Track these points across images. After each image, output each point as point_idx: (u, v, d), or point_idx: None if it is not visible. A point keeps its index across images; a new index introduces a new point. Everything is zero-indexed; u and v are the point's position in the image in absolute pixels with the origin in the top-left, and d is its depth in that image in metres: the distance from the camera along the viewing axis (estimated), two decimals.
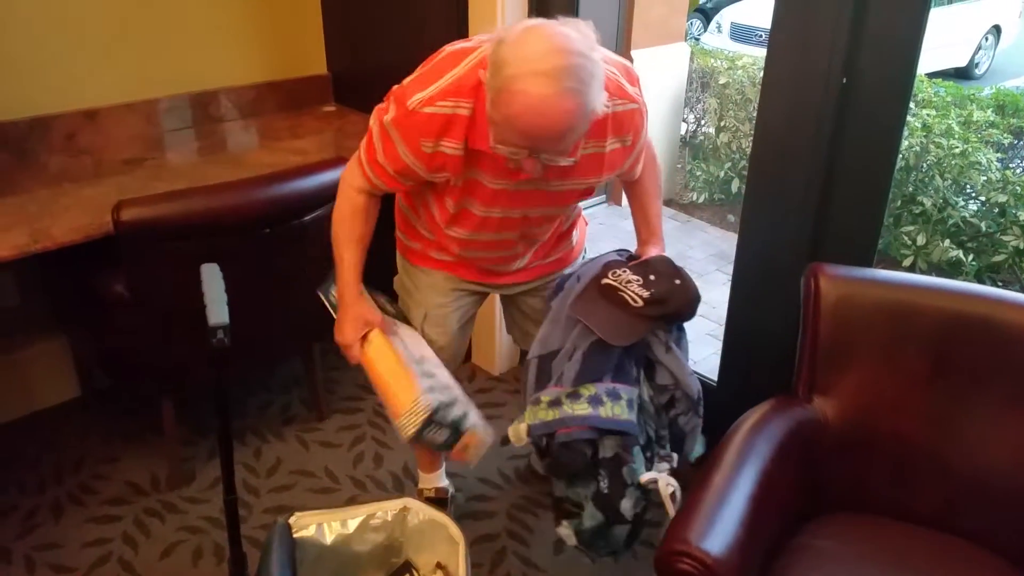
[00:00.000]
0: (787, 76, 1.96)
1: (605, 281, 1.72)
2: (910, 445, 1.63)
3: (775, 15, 1.95)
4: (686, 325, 1.80)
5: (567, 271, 1.91)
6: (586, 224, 2.04)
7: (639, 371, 1.72)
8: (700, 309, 1.76)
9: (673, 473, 1.70)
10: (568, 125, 1.33)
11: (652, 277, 1.69)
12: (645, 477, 1.65)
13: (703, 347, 3.14)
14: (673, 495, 1.62)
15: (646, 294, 1.67)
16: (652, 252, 1.82)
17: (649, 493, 1.67)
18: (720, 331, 2.48)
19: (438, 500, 2.21)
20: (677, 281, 1.69)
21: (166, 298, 2.05)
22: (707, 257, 4.11)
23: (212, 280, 1.27)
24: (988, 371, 1.57)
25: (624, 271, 1.72)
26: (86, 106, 2.56)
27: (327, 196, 2.15)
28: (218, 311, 1.20)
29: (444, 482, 2.27)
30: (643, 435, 1.70)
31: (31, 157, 2.46)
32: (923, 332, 1.62)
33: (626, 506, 1.65)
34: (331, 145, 2.71)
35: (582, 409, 1.63)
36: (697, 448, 1.81)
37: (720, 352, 2.40)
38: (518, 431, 1.73)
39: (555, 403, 1.67)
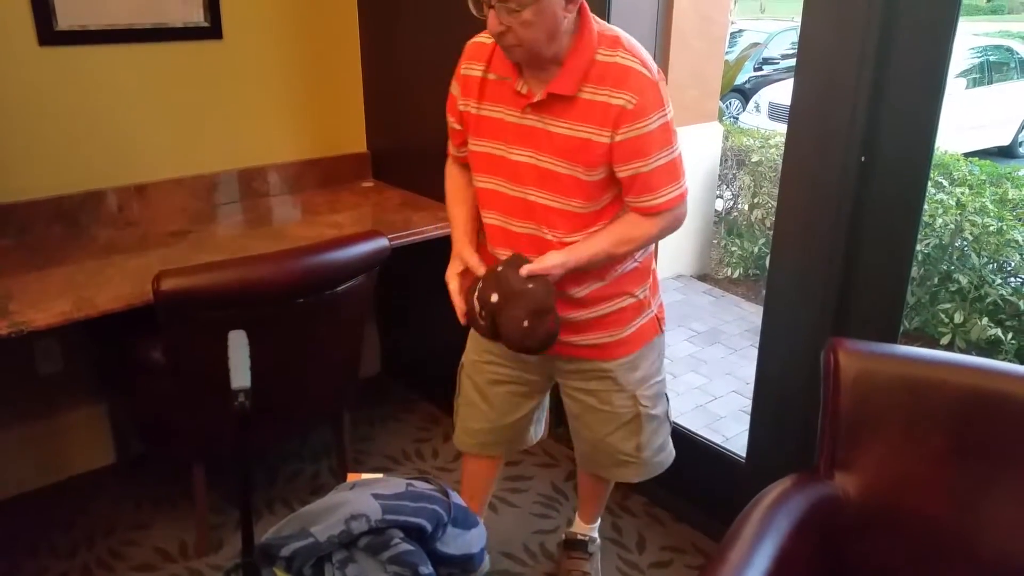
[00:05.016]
0: (806, 154, 2.00)
1: None
2: (934, 525, 1.59)
3: (794, 95, 2.00)
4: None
5: (610, 365, 1.90)
6: (657, 321, 1.97)
7: None
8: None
9: None
10: None
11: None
12: None
13: (736, 424, 3.10)
14: None
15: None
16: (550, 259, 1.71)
17: None
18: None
19: None
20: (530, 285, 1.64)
21: (200, 366, 2.11)
22: (742, 332, 4.09)
23: (238, 347, 1.32)
24: (1011, 449, 1.54)
25: None
26: (137, 181, 2.69)
27: (359, 268, 2.24)
28: (241, 375, 1.24)
29: None
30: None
31: (83, 229, 2.58)
32: (943, 408, 1.59)
33: None
34: (368, 219, 2.80)
35: None
36: None
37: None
38: None
39: None
